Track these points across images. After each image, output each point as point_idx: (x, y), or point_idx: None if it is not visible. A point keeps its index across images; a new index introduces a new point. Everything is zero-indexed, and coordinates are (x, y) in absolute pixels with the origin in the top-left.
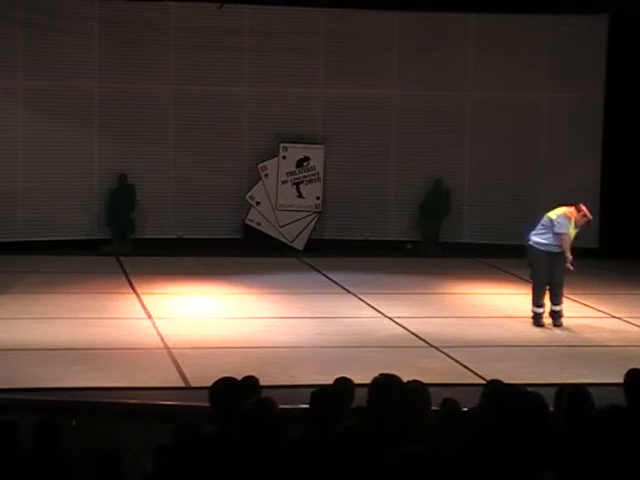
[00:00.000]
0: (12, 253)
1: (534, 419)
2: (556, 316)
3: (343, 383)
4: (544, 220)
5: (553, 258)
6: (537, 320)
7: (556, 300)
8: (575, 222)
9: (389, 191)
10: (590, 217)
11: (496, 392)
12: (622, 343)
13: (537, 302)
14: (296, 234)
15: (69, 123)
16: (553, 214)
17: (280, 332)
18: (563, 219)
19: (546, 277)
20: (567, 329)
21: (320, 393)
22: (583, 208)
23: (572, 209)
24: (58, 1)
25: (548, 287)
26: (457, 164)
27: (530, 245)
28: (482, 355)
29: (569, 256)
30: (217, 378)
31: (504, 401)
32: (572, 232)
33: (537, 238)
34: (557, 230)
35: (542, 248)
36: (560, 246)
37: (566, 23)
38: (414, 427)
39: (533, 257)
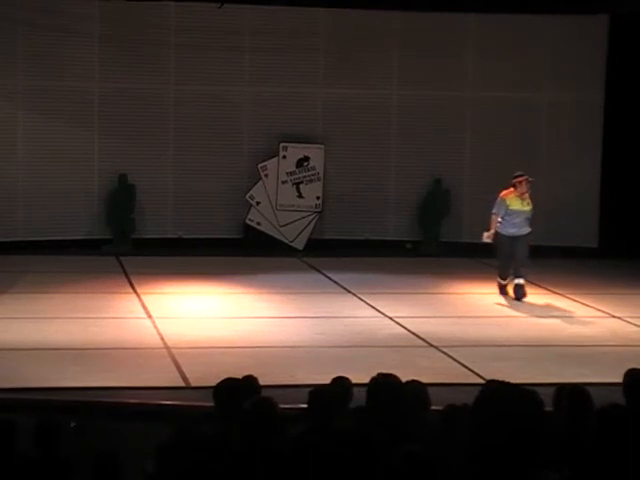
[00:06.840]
0: (12, 253)
1: (527, 417)
2: (517, 289)
3: (341, 382)
4: None
5: (515, 240)
6: (501, 290)
7: (517, 273)
8: (520, 196)
9: (389, 191)
10: (520, 178)
11: (491, 391)
12: (622, 343)
13: (501, 275)
14: (296, 234)
15: (69, 123)
16: None
17: (280, 332)
18: (497, 202)
19: (507, 253)
20: (567, 329)
21: (318, 392)
22: (516, 180)
23: (509, 189)
24: (58, 1)
25: (513, 265)
26: (457, 164)
27: (497, 231)
28: (482, 355)
29: (491, 233)
30: (217, 378)
31: (498, 399)
32: (521, 207)
33: (500, 225)
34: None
35: (503, 232)
36: (520, 229)
37: (566, 23)
38: (413, 427)
39: (497, 239)
